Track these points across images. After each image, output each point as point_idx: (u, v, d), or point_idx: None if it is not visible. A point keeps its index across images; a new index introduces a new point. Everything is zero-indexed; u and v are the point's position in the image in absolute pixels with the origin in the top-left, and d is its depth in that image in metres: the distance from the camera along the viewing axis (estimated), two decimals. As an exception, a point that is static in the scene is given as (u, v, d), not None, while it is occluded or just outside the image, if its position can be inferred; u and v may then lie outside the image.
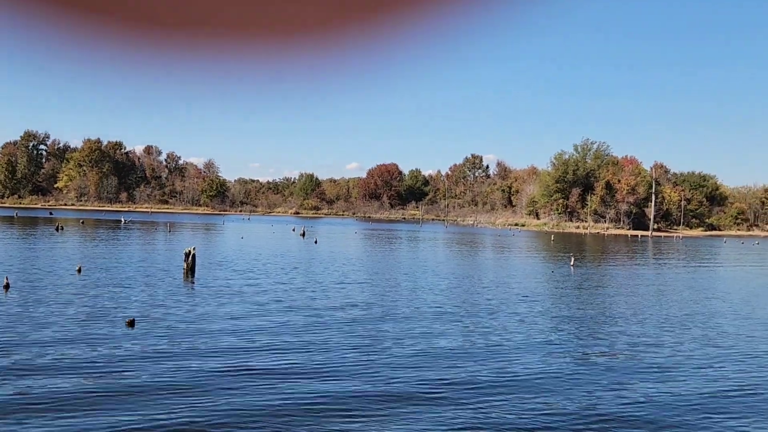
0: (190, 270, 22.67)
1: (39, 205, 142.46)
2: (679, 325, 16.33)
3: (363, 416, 8.26)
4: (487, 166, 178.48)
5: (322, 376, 10.12)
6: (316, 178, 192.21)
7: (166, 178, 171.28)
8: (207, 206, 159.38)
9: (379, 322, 15.13)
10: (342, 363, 11.01)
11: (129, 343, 11.80)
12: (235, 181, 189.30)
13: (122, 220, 76.48)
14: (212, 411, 8.18)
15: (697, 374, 11.16)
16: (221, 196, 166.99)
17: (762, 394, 10.03)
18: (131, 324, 13.43)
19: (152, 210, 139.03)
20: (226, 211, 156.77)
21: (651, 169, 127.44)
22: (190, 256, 22.78)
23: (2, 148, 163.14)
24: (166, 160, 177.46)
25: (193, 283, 21.10)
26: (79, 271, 22.44)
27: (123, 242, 41.04)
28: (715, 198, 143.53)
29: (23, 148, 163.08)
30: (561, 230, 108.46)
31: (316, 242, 48.45)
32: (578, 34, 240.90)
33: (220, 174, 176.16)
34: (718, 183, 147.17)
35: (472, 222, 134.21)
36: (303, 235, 58.08)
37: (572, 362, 11.81)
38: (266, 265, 28.18)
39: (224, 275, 23.43)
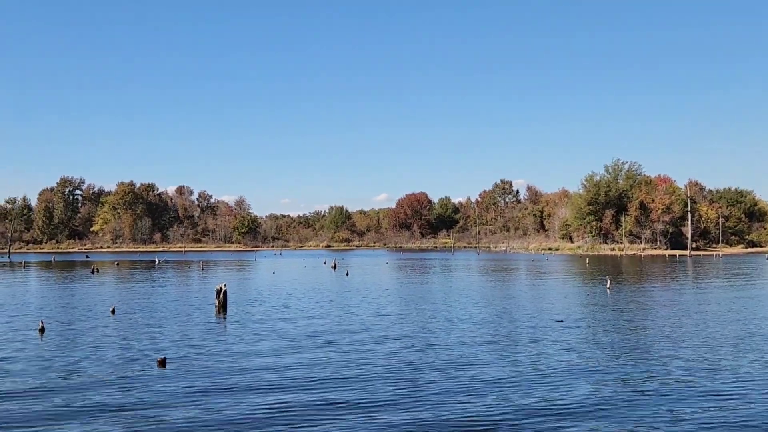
0: (222, 307, 22.61)
1: (76, 249, 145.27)
2: (731, 348, 15.62)
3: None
4: (517, 191, 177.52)
5: (363, 409, 9.81)
6: (346, 211, 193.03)
7: (198, 217, 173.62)
8: (239, 243, 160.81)
9: (419, 354, 14.76)
10: (384, 396, 10.68)
11: (161, 384, 11.63)
12: (266, 217, 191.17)
13: (156, 260, 77.32)
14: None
15: (756, 398, 10.57)
16: (253, 232, 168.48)
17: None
18: (162, 364, 13.29)
19: (186, 249, 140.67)
20: (258, 247, 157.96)
21: (685, 186, 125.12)
22: (222, 293, 22.74)
23: (40, 195, 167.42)
24: (198, 199, 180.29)
25: (225, 319, 21.00)
26: (113, 312, 22.52)
27: (157, 282, 41.34)
28: (754, 213, 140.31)
29: (60, 194, 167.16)
30: (596, 253, 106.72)
31: (347, 275, 48.23)
32: (603, 59, 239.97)
33: (251, 210, 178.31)
34: (756, 198, 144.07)
35: (504, 248, 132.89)
36: (334, 267, 57.97)
37: (620, 388, 11.29)
38: (299, 300, 28.02)
39: (256, 311, 23.30)
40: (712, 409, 9.91)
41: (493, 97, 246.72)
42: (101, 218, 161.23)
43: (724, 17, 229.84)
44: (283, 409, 9.90)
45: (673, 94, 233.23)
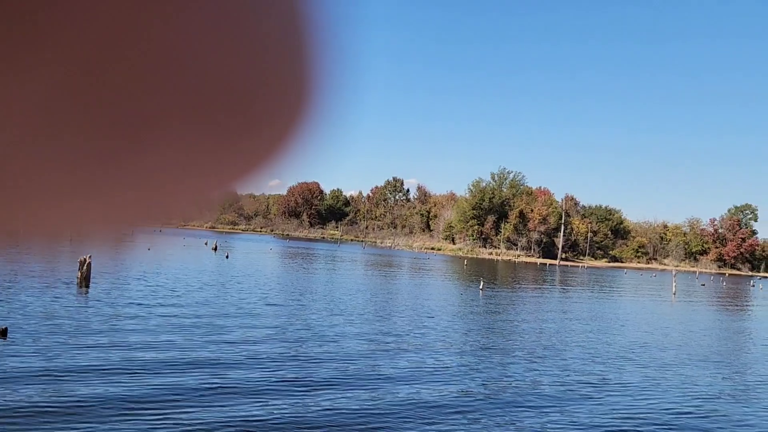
0: (85, 280, 21.75)
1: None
2: (588, 349, 17.01)
3: None
4: (408, 190, 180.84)
5: (213, 396, 9.95)
6: (235, 193, 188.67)
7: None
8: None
9: (287, 344, 15.05)
10: (237, 383, 10.86)
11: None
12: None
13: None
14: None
15: (586, 401, 11.65)
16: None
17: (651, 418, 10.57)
18: (3, 333, 12.72)
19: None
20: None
21: (562, 200, 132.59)
22: (85, 265, 21.87)
23: None
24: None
25: (87, 293, 20.25)
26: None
27: (24, 251, 38.84)
28: (619, 231, 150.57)
29: None
30: (475, 256, 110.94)
31: (227, 257, 47.56)
32: (496, 67, 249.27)
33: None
34: (622, 217, 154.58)
35: (390, 244, 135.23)
36: (215, 249, 56.88)
37: (483, 385, 12.09)
38: (170, 279, 27.41)
39: (121, 286, 22.63)
40: (546, 410, 10.88)
41: (391, 94, 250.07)
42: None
43: (618, 34, 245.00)
44: (120, 395, 9.87)
45: (557, 106, 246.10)
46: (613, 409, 10.37)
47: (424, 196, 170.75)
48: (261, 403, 9.25)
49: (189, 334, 14.65)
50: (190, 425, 7.86)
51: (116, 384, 9.80)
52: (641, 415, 10.19)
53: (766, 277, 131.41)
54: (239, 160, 0.31)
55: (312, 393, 10.10)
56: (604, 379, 13.06)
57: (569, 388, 11.89)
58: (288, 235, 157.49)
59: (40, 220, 0.28)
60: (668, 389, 12.53)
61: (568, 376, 13.05)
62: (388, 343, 15.23)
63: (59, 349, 11.92)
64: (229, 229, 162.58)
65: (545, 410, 9.99)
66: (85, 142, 0.23)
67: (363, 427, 8.44)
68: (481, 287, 35.79)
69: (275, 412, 8.99)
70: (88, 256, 22.43)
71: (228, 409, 8.90)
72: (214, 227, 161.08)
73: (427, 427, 8.48)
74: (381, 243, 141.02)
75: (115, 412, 8.55)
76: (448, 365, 13.15)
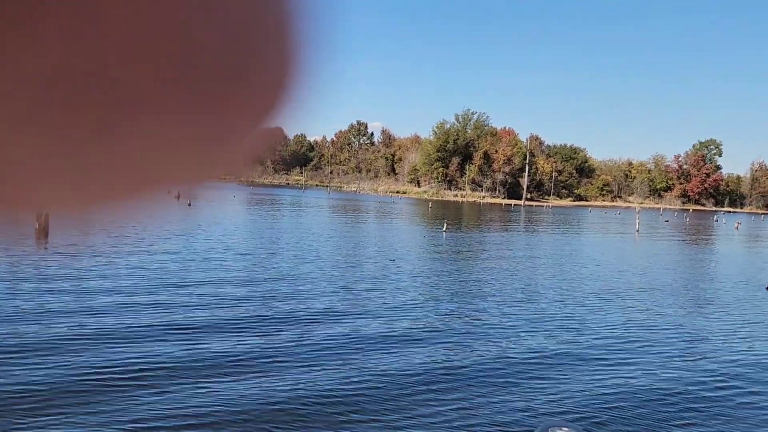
0: (43, 231, 21.10)
1: None
2: (552, 287, 17.12)
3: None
4: (372, 134, 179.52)
5: (171, 336, 9.69)
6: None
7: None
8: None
9: (247, 288, 14.77)
10: (203, 322, 10.61)
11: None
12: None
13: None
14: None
15: (569, 327, 11.70)
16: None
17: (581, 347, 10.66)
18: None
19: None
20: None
21: (527, 140, 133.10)
22: (44, 215, 21.15)
23: None
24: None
25: (46, 247, 19.65)
26: None
27: None
28: (584, 170, 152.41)
29: None
30: (440, 198, 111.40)
31: (189, 205, 46.82)
32: (460, 12, 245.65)
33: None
34: (587, 156, 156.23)
35: (355, 189, 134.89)
36: (178, 197, 55.63)
37: (444, 322, 12.03)
38: (131, 228, 26.78)
39: (82, 238, 22.00)
40: (530, 335, 10.90)
41: (355, 38, 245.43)
42: None
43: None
44: (86, 334, 9.55)
45: (521, 49, 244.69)
46: (577, 341, 10.42)
47: (388, 139, 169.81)
48: (230, 340, 9.10)
49: (152, 285, 14.16)
50: (151, 361, 7.57)
51: (74, 325, 9.38)
52: (604, 344, 10.25)
53: (729, 211, 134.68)
54: (233, 121, 0.31)
55: (279, 328, 10.00)
56: (567, 314, 13.14)
57: (534, 326, 11.91)
58: (252, 181, 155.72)
59: (42, 199, 0.29)
60: (629, 321, 12.66)
61: (532, 314, 13.08)
62: (354, 288, 15.06)
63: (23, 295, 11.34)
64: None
65: (510, 343, 9.99)
66: (81, 117, 0.24)
67: (332, 361, 8.32)
68: (444, 229, 35.84)
69: (243, 347, 8.86)
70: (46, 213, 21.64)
71: (195, 344, 8.74)
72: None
73: (395, 365, 8.38)
74: (346, 187, 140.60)
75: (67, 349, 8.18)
76: (412, 308, 13.04)
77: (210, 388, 7.61)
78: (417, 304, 13.66)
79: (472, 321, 12.24)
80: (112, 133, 0.27)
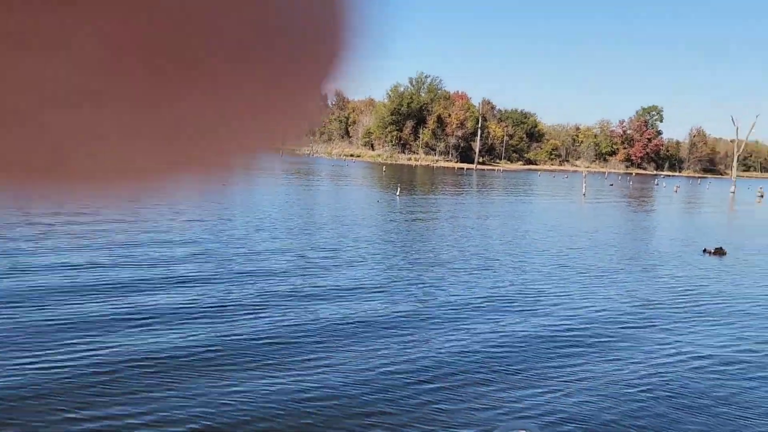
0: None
1: None
2: (505, 252, 17.80)
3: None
4: (326, 96, 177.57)
5: (117, 324, 9.90)
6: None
7: None
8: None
9: (201, 264, 14.96)
10: (154, 308, 10.83)
11: None
12: None
13: None
14: None
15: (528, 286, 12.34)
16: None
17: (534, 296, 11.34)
18: None
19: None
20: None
21: (479, 104, 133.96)
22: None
23: None
24: None
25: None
26: None
27: None
28: (534, 135, 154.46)
29: None
30: (394, 162, 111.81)
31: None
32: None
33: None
34: (537, 121, 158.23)
35: (308, 152, 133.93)
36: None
37: (403, 288, 12.52)
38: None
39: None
40: (483, 294, 11.49)
41: None
42: None
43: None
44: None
45: (475, 14, 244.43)
46: (530, 307, 11.08)
47: (342, 102, 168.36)
48: (182, 328, 8.98)
49: (89, 256, 14.06)
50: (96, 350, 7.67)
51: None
52: (554, 308, 10.94)
53: (669, 175, 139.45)
54: (293, 91, 0.32)
55: (235, 314, 9.87)
56: (520, 280, 13.84)
57: (491, 299, 12.53)
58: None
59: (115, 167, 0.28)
60: (577, 283, 13.43)
61: (488, 284, 13.71)
62: (310, 257, 15.38)
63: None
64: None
65: (468, 320, 10.55)
66: (140, 89, 0.24)
67: (292, 343, 8.50)
68: (397, 193, 36.32)
69: (196, 335, 8.71)
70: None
71: (145, 335, 8.68)
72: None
73: (356, 341, 8.72)
74: (299, 151, 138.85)
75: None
76: (370, 276, 13.48)
77: (162, 387, 7.96)
78: (372, 276, 14.14)
79: (428, 292, 12.79)
80: (177, 103, 0.26)
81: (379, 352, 8.05)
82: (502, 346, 8.62)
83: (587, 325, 9.98)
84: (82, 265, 11.98)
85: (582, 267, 15.68)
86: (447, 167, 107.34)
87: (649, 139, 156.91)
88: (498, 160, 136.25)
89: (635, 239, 22.74)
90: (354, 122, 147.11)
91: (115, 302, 9.57)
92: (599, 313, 10.84)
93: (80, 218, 18.43)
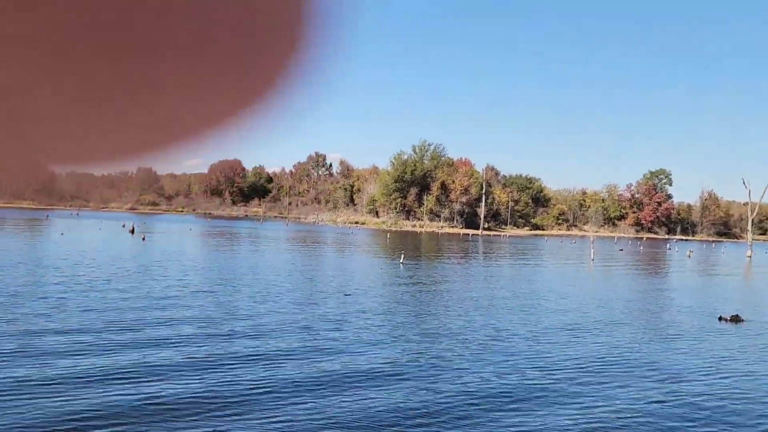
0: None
1: None
2: (510, 316, 17.04)
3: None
4: (331, 165, 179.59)
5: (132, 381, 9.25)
6: (155, 173, 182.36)
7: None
8: (32, 201, 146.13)
9: (206, 327, 14.31)
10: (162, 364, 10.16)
11: None
12: (65, 174, 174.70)
13: None
14: None
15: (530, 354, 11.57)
16: (49, 189, 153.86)
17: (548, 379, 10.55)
18: None
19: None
20: (54, 206, 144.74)
21: (483, 171, 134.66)
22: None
23: None
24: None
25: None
26: None
27: None
28: (540, 200, 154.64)
29: None
30: (399, 228, 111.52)
31: (144, 239, 45.75)
32: (414, 46, 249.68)
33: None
34: (542, 186, 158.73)
35: (313, 220, 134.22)
36: (132, 231, 54.65)
37: (398, 357, 11.81)
38: (76, 267, 25.82)
39: (23, 275, 21.21)
40: (489, 366, 10.73)
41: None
42: None
43: (522, 17, 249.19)
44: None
45: (477, 82, 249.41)
46: (541, 377, 10.30)
47: (347, 170, 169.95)
48: (187, 382, 8.33)
49: (106, 326, 13.45)
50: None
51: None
52: (568, 378, 10.14)
53: (682, 239, 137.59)
54: (233, 94, 0.31)
55: (241, 370, 9.60)
56: (530, 351, 13.05)
57: (499, 364, 11.75)
58: (210, 214, 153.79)
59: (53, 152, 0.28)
60: (590, 355, 12.62)
61: (496, 351, 12.91)
62: (315, 327, 14.67)
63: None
64: (150, 209, 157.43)
65: (476, 384, 9.78)
66: (87, 78, 0.25)
67: (294, 402, 7.93)
68: (401, 261, 35.69)
69: (202, 389, 8.08)
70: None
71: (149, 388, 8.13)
72: (134, 209, 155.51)
73: (360, 400, 8.02)
74: (305, 219, 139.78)
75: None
76: (373, 348, 12.70)
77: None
78: (377, 343, 13.41)
79: (434, 360, 12.05)
80: (126, 88, 0.28)
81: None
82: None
83: (612, 415, 9.19)
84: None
85: (596, 340, 14.84)
86: (452, 233, 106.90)
87: (659, 203, 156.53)
88: (504, 226, 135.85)
89: (649, 307, 21.85)
90: (359, 190, 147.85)
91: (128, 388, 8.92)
92: (621, 402, 10.04)
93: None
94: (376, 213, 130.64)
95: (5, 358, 10.38)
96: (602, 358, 12.80)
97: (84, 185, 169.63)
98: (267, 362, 11.02)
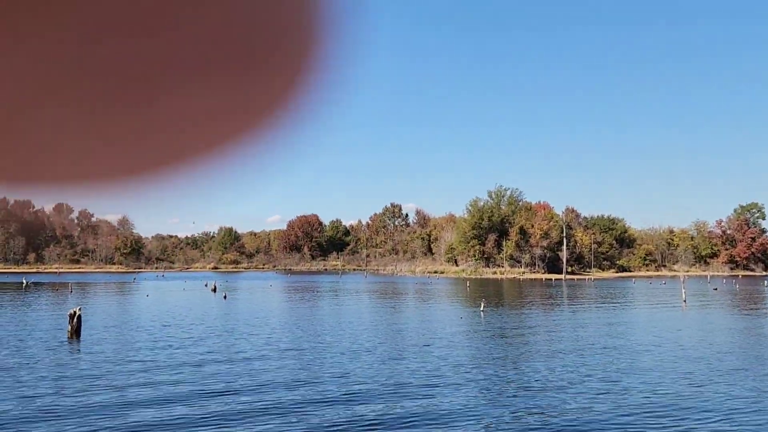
0: (75, 332, 21.14)
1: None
2: (600, 366, 16.27)
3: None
4: (407, 215, 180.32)
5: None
6: (236, 232, 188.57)
7: (77, 236, 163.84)
8: (121, 264, 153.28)
9: (294, 390, 14.29)
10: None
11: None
12: (151, 237, 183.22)
13: (24, 281, 71.95)
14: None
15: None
16: (136, 253, 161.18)
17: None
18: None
19: (61, 270, 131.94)
20: (141, 268, 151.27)
21: (563, 213, 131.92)
22: (75, 318, 21.28)
23: None
24: (78, 218, 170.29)
25: (79, 348, 19.58)
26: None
27: (16, 305, 38.28)
28: (624, 240, 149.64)
29: None
30: (479, 276, 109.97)
31: (225, 297, 46.90)
32: (489, 94, 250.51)
33: (135, 230, 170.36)
34: (626, 225, 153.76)
35: (392, 271, 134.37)
36: (214, 290, 56.22)
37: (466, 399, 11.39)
38: (164, 326, 26.63)
39: (113, 337, 21.95)
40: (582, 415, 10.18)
41: (382, 125, 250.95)
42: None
43: (599, 58, 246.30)
44: None
45: (552, 127, 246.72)
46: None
47: (423, 219, 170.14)
48: None
49: (194, 394, 13.59)
50: None
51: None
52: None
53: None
54: (246, 108, 0.32)
55: None
56: (620, 393, 12.33)
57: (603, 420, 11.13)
58: (290, 269, 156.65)
59: (61, 167, 0.30)
60: (691, 407, 11.73)
61: (595, 407, 12.27)
62: (400, 382, 14.39)
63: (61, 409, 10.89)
64: (232, 268, 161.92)
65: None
66: (98, 93, 0.25)
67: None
68: (482, 309, 34.86)
69: None
70: (78, 308, 21.83)
71: None
72: (216, 268, 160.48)
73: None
74: (383, 270, 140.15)
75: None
76: (462, 404, 12.33)
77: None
78: (470, 405, 12.99)
79: (527, 417, 11.54)
80: (141, 104, 0.27)
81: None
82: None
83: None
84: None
85: (717, 390, 13.86)
86: (534, 279, 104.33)
87: (753, 238, 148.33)
88: (588, 269, 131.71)
89: (750, 349, 20.34)
90: (436, 239, 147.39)
91: None
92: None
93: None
94: (455, 261, 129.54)
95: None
96: (736, 410, 11.88)
97: (168, 247, 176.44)
98: (353, 409, 10.80)
